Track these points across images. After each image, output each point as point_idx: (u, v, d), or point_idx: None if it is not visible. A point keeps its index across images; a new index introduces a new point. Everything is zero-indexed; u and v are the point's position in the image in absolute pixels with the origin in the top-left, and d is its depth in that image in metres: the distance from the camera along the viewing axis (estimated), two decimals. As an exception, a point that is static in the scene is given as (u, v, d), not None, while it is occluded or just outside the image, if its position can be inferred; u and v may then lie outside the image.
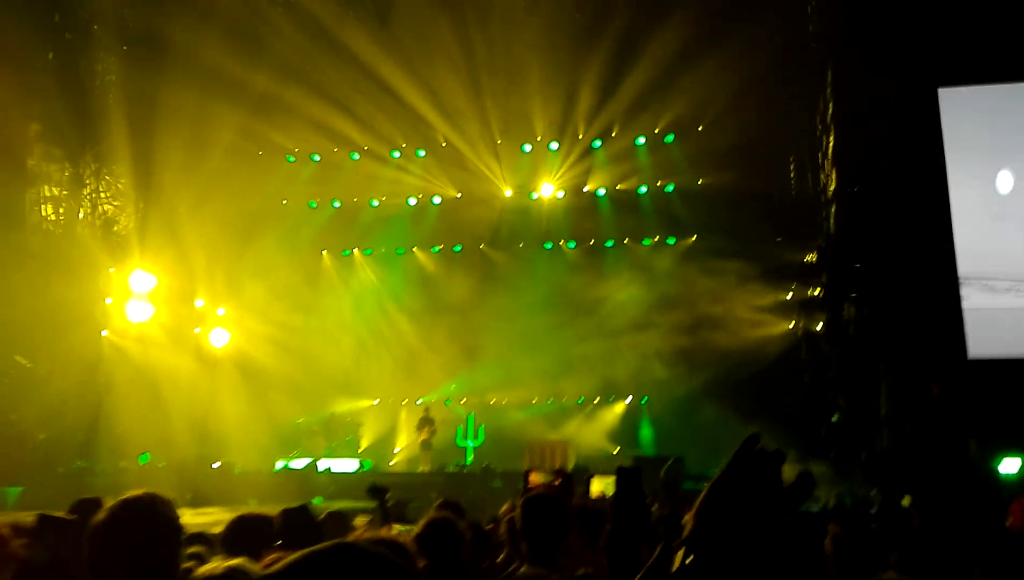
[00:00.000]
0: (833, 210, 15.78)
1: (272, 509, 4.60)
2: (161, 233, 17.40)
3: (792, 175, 17.57)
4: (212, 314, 18.57)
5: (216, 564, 2.97)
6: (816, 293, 16.56)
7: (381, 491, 5.25)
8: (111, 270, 16.81)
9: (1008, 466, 12.40)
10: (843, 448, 13.68)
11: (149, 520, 2.49)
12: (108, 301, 16.72)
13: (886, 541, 3.52)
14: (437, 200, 20.29)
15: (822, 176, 16.33)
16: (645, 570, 2.41)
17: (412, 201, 20.38)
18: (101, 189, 17.43)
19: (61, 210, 16.58)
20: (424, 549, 3.33)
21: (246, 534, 3.83)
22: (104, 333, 16.76)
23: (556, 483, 6.94)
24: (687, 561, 1.31)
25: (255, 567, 2.04)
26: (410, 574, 1.15)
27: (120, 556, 2.43)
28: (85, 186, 17.06)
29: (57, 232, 16.28)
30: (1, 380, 15.35)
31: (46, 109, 16.08)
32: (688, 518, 1.39)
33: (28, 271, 14.96)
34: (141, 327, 16.98)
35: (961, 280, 14.38)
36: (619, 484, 2.72)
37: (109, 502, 2.56)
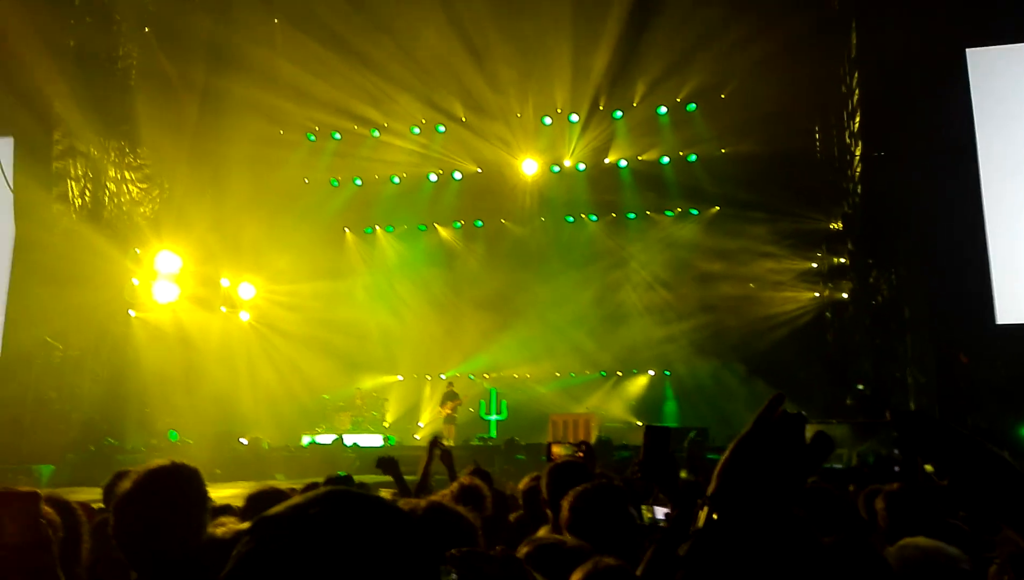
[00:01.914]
0: (859, 175, 15.52)
1: (298, 483, 4.64)
2: (186, 214, 17.53)
3: (817, 141, 17.29)
4: (237, 293, 18.75)
5: (236, 524, 3.00)
6: (842, 260, 16.36)
7: (390, 463, 5.24)
8: (137, 251, 16.97)
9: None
10: (869, 417, 13.58)
11: (174, 489, 2.50)
12: (135, 282, 16.90)
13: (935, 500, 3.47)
14: (458, 175, 20.23)
15: (848, 141, 16.04)
16: (666, 530, 2.40)
17: (433, 177, 20.34)
18: (126, 172, 17.55)
19: (87, 193, 16.73)
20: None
21: (266, 508, 3.86)
22: (132, 313, 16.96)
23: (579, 455, 6.95)
24: (712, 517, 1.30)
25: None
26: (409, 519, 1.13)
27: (145, 525, 2.45)
28: (110, 169, 17.18)
29: (83, 215, 16.44)
30: (32, 362, 15.61)
31: (70, 93, 16.18)
32: (712, 477, 1.39)
33: (55, 254, 15.15)
34: (168, 307, 17.17)
35: (990, 244, 14.13)
36: (647, 443, 2.72)
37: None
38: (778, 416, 1.38)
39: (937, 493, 3.36)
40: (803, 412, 1.42)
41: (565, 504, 3.15)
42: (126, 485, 2.52)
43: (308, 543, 1.05)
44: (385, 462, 5.28)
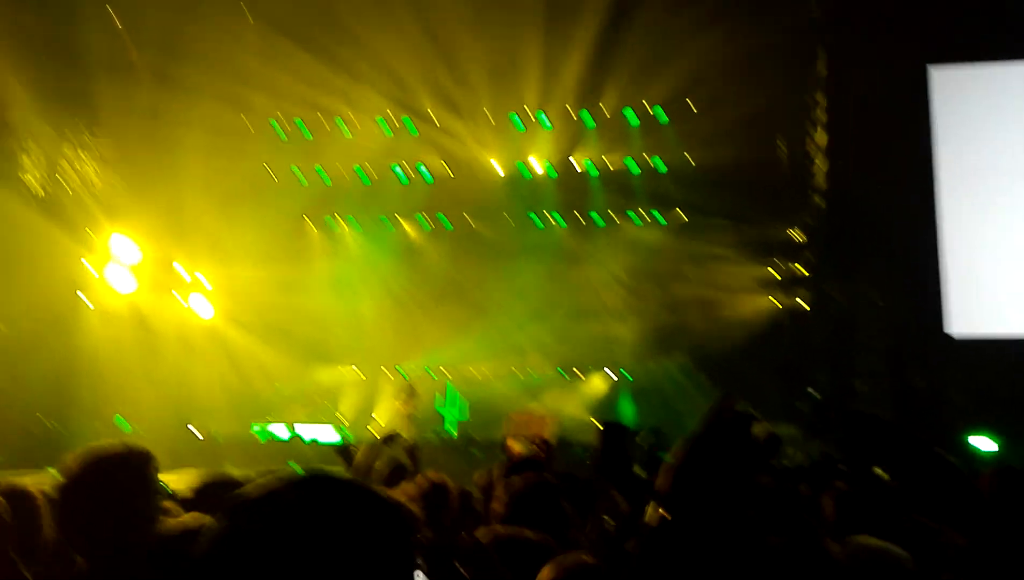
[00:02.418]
0: (822, 187, 15.75)
1: (247, 473, 4.53)
2: (142, 198, 17.19)
3: (782, 151, 17.52)
4: (192, 279, 18.42)
5: (190, 516, 2.88)
6: (803, 270, 16.60)
7: (349, 452, 5.19)
8: (90, 232, 16.59)
9: (984, 445, 12.52)
10: (819, 422, 13.78)
11: (125, 473, 2.37)
12: (86, 264, 16.52)
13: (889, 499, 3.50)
14: (425, 172, 20.12)
15: (812, 153, 16.27)
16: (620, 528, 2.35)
17: (401, 173, 20.20)
18: (83, 153, 17.17)
19: (38, 174, 16.33)
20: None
21: (217, 495, 3.75)
22: (82, 296, 16.58)
23: (540, 454, 6.89)
24: (663, 515, 1.33)
25: None
26: (389, 505, 1.10)
27: (94, 510, 2.31)
28: (65, 150, 16.79)
29: (35, 196, 16.04)
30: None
31: (29, 73, 15.77)
32: (663, 474, 1.42)
33: (4, 236, 14.74)
34: (120, 292, 16.81)
35: (946, 258, 14.42)
36: (603, 440, 2.69)
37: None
38: (728, 415, 1.40)
39: (886, 493, 3.38)
40: (752, 411, 1.43)
41: (500, 498, 3.11)
42: (72, 467, 2.38)
43: (287, 526, 1.03)
44: (344, 451, 5.25)
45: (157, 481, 2.47)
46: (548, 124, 19.12)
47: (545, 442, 7.55)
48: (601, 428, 2.80)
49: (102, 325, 16.33)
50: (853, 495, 3.59)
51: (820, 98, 15.89)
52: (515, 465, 3.67)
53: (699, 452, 1.42)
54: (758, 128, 16.78)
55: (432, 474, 4.17)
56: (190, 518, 2.81)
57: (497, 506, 3.54)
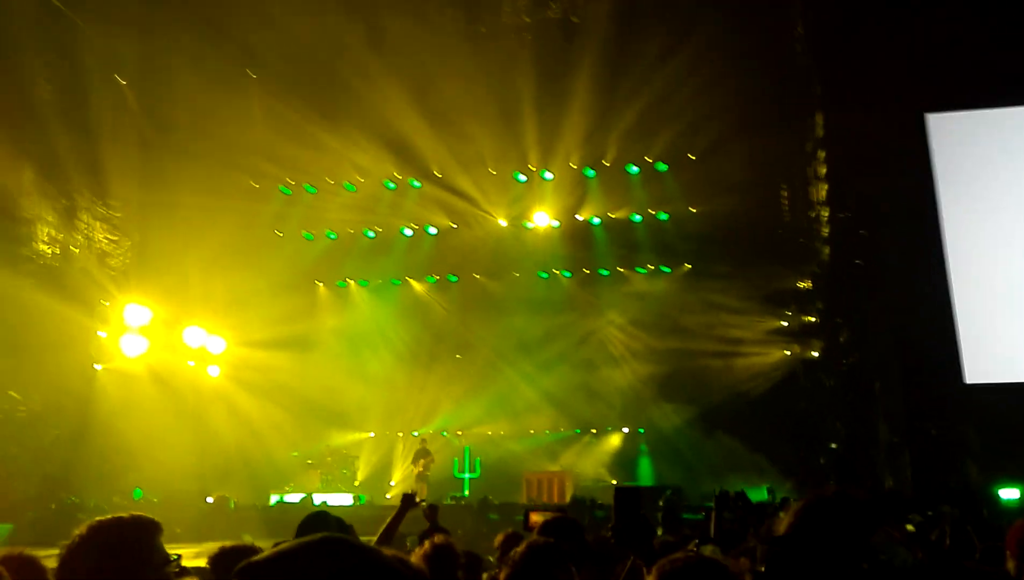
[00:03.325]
0: (826, 236, 15.83)
1: (265, 544, 4.51)
2: (156, 266, 17.37)
3: (785, 202, 17.65)
4: (206, 347, 18.47)
5: None
6: (812, 319, 16.57)
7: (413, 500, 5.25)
8: (105, 304, 16.73)
9: (1007, 494, 12.35)
10: (842, 476, 13.61)
11: (122, 541, 2.41)
12: (102, 334, 16.63)
13: None
14: (432, 230, 20.33)
15: (814, 202, 16.41)
16: None
17: (407, 231, 20.42)
18: (96, 222, 17.42)
19: (57, 245, 16.56)
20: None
21: (232, 565, 3.74)
22: (98, 367, 16.65)
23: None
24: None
25: None
26: (399, 572, 1.15)
27: (94, 575, 2.36)
28: (80, 219, 17.05)
29: (51, 266, 16.22)
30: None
31: (41, 143, 16.12)
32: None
33: (22, 305, 14.87)
34: (135, 361, 16.88)
35: (955, 303, 14.40)
36: (617, 503, 2.72)
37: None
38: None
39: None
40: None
41: (506, 563, 3.13)
42: (75, 538, 2.44)
43: None
44: (408, 498, 5.28)
45: (162, 551, 2.51)
46: (550, 179, 19.37)
47: (563, 511, 7.43)
48: (615, 493, 2.82)
49: (118, 397, 16.36)
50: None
51: (820, 148, 16.07)
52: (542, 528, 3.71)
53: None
54: (759, 179, 16.97)
55: (438, 538, 4.19)
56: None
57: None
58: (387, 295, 20.67)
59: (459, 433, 19.28)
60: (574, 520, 3.85)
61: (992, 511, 11.79)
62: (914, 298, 14.38)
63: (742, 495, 5.29)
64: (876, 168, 14.72)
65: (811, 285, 16.63)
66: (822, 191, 16.01)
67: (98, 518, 2.50)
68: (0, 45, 14.68)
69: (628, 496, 2.72)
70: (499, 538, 5.45)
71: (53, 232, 16.55)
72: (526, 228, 19.93)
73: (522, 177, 19.55)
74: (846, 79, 14.82)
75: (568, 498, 14.92)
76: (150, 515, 2.63)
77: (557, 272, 20.03)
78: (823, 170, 15.98)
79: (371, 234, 20.50)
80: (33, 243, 16.11)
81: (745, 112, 16.24)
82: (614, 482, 17.34)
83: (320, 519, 4.33)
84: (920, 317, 14.42)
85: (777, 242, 17.10)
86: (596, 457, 18.43)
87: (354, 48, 17.00)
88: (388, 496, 18.27)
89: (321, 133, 17.88)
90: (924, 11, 14.07)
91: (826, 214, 15.83)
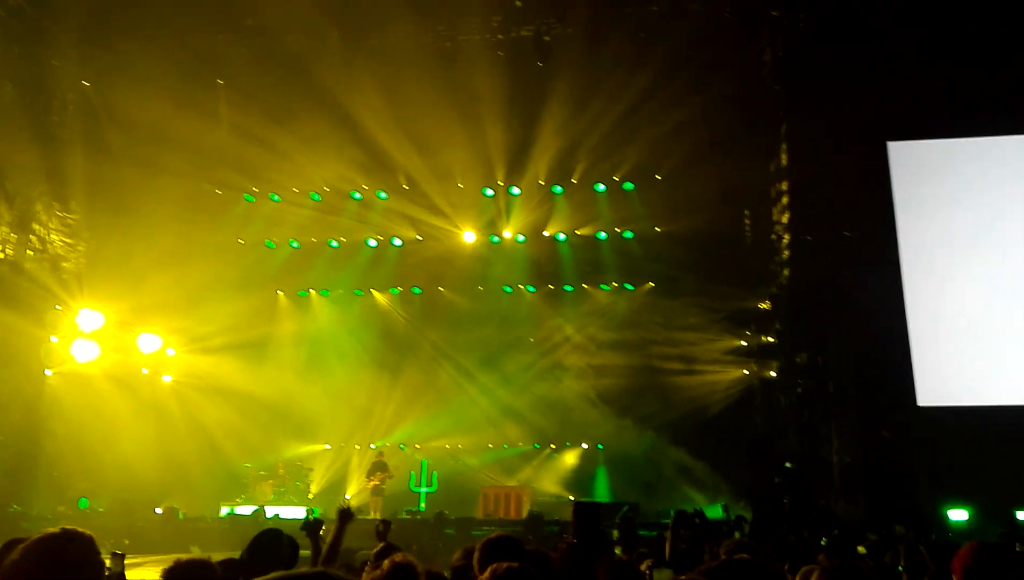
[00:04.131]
0: (786, 258, 16.06)
1: (216, 556, 4.41)
2: (112, 271, 17.02)
3: (747, 224, 17.89)
4: (161, 354, 18.13)
5: None
6: (771, 339, 16.78)
7: (315, 526, 5.10)
8: (57, 308, 16.34)
9: (956, 515, 12.58)
10: (797, 494, 13.75)
11: (64, 557, 2.34)
12: (54, 339, 16.23)
13: None
14: (397, 242, 20.23)
15: (776, 225, 16.65)
16: None
17: (372, 242, 20.28)
18: (51, 225, 17.04)
19: (9, 247, 16.17)
20: None
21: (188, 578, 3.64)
22: (48, 372, 16.23)
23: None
24: None
25: None
26: None
27: None
28: (34, 222, 16.67)
29: (3, 269, 15.83)
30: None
31: (1, 139, 15.76)
32: None
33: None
34: (87, 366, 16.50)
35: (910, 327, 14.69)
36: (576, 519, 2.69)
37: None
38: None
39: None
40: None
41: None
42: (14, 555, 2.37)
43: None
44: (310, 525, 5.14)
45: (101, 565, 2.45)
46: (518, 195, 19.42)
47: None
48: (574, 507, 2.79)
49: (68, 403, 15.97)
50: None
51: (783, 170, 16.32)
52: (487, 543, 3.65)
53: None
54: (723, 200, 17.19)
55: (398, 557, 4.11)
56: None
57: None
58: (349, 306, 20.49)
59: (417, 446, 19.11)
60: (514, 539, 3.81)
61: (940, 532, 12.00)
62: (870, 321, 14.64)
63: (699, 513, 5.29)
64: (838, 192, 15.01)
65: (770, 306, 16.86)
66: (783, 215, 16.26)
67: (38, 534, 2.43)
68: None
69: (587, 511, 2.69)
70: (457, 554, 5.39)
71: (6, 232, 16.17)
72: (492, 242, 19.93)
73: (490, 192, 19.56)
74: (811, 104, 15.09)
75: (524, 513, 14.86)
76: (96, 525, 2.55)
77: (522, 287, 20.04)
78: (785, 193, 16.23)
79: (335, 244, 20.33)
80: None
81: (711, 134, 16.50)
82: (571, 498, 17.31)
83: (273, 537, 4.24)
84: (876, 340, 14.68)
85: (739, 263, 17.31)
86: (554, 473, 18.39)
87: (325, 57, 16.90)
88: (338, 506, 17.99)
89: (287, 141, 17.70)
90: (889, 42, 14.42)
91: (787, 237, 16.07)
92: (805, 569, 3.85)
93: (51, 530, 2.41)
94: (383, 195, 19.83)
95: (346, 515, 5.26)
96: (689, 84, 15.61)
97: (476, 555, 3.57)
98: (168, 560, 3.84)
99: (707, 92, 15.55)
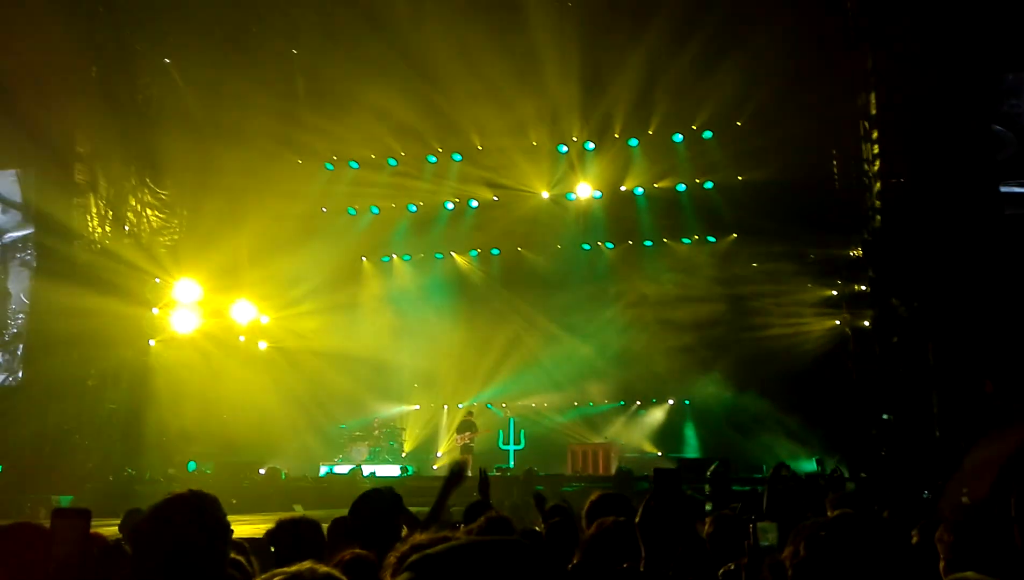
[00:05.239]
0: (878, 204, 15.37)
1: (317, 514, 4.56)
2: (205, 243, 17.64)
3: (835, 169, 17.18)
4: (256, 322, 18.80)
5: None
6: (863, 288, 16.18)
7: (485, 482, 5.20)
8: (156, 281, 17.08)
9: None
10: (895, 446, 13.35)
11: (195, 518, 2.45)
12: (155, 311, 17.00)
13: None
14: (474, 204, 20.29)
15: (866, 168, 15.93)
16: None
17: (449, 205, 20.41)
18: (146, 200, 17.74)
19: (108, 223, 16.91)
20: None
21: (295, 538, 3.78)
22: (151, 342, 17.04)
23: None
24: None
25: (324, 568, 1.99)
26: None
27: (164, 555, 2.39)
28: (130, 198, 17.37)
29: (103, 245, 16.59)
30: (52, 392, 15.69)
31: (90, 124, 16.42)
32: None
33: (76, 285, 15.26)
34: (187, 336, 17.24)
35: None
36: (656, 485, 2.67)
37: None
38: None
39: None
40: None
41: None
42: (143, 515, 2.49)
43: None
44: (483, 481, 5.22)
45: (227, 525, 2.55)
46: (593, 150, 19.14)
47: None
48: (654, 475, 2.77)
49: (171, 370, 16.75)
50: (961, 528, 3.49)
51: (872, 110, 15.52)
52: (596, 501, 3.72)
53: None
54: (808, 145, 16.53)
55: (493, 513, 4.16)
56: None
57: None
58: (430, 269, 20.76)
59: (504, 405, 19.37)
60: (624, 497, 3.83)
61: None
62: (968, 264, 13.92)
63: (784, 465, 5.20)
64: (931, 133, 14.21)
65: (861, 253, 16.21)
66: (874, 157, 15.52)
67: (165, 495, 2.55)
68: (52, 23, 14.91)
69: (665, 478, 2.67)
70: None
71: (104, 211, 16.90)
72: (569, 200, 19.76)
73: (564, 148, 19.34)
74: (901, 40, 14.27)
75: (613, 470, 14.91)
76: (204, 486, 2.67)
77: (600, 244, 19.87)
78: (875, 135, 15.47)
79: (413, 209, 20.54)
80: (86, 224, 16.48)
81: (795, 77, 15.78)
82: (659, 453, 17.27)
83: (375, 497, 4.35)
84: (974, 284, 13.97)
85: (827, 209, 16.66)
86: (641, 429, 18.36)
87: (395, 21, 16.90)
88: (435, 467, 18.48)
89: (362, 108, 17.85)
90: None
91: (877, 181, 15.35)
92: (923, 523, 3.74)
93: (178, 490, 2.52)
94: (458, 157, 19.86)
95: (458, 476, 5.23)
96: (768, 22, 14.96)
97: (585, 509, 3.66)
98: (272, 519, 4.01)
99: (786, 28, 14.86)
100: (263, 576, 2.36)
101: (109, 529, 4.30)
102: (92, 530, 3.43)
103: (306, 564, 1.81)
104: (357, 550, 3.11)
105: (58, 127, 15.72)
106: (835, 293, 17.00)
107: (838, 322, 16.85)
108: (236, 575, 2.93)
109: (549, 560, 1.18)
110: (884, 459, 13.02)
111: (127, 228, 17.27)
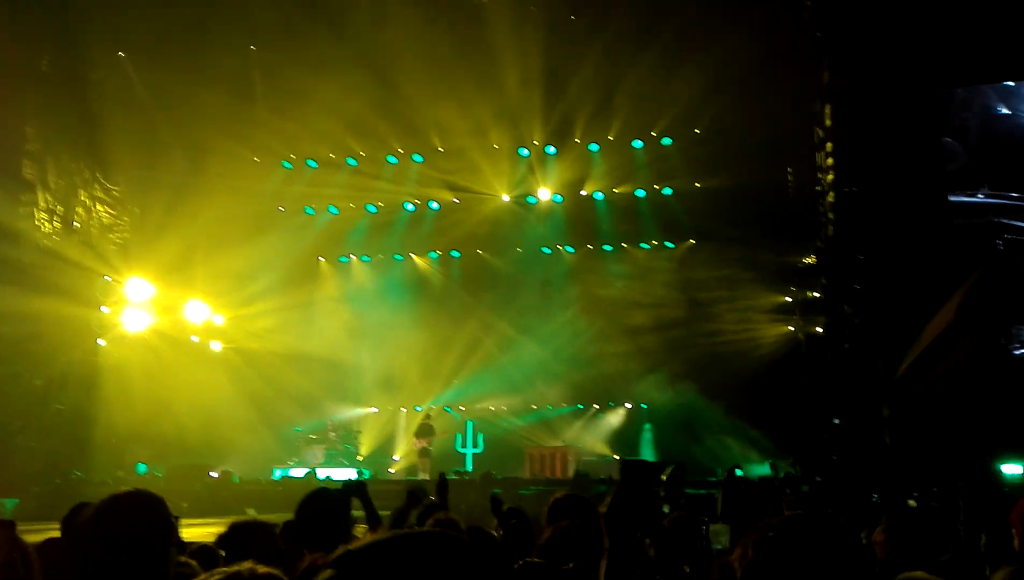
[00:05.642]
0: (831, 213, 15.66)
1: (270, 518, 4.49)
2: (158, 241, 17.30)
3: (790, 177, 17.48)
4: (209, 322, 18.48)
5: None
6: (816, 295, 16.47)
7: (360, 488, 5.05)
8: (106, 278, 16.69)
9: (1010, 469, 12.35)
10: (846, 451, 13.60)
11: (139, 517, 2.39)
12: (105, 310, 16.61)
13: None
14: (435, 205, 20.22)
15: (820, 177, 16.23)
16: None
17: (409, 206, 20.30)
18: (96, 197, 17.33)
19: (56, 220, 16.49)
20: None
21: (245, 541, 3.71)
22: (101, 342, 16.64)
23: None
24: None
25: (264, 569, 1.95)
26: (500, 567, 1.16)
27: (107, 554, 2.33)
28: (79, 195, 16.95)
29: (52, 242, 16.17)
30: (-1, 393, 15.24)
31: (40, 118, 16.00)
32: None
33: (24, 283, 14.83)
34: (138, 336, 16.88)
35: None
36: (623, 475, 2.67)
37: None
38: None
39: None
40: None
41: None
42: (87, 514, 2.43)
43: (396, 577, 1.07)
44: (354, 487, 5.09)
45: (172, 526, 2.50)
46: (554, 154, 19.22)
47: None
48: (621, 465, 2.76)
49: (121, 372, 16.37)
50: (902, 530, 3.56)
51: (826, 120, 15.82)
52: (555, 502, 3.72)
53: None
54: (764, 153, 16.81)
55: (441, 514, 4.13)
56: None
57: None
58: (389, 270, 20.62)
59: (462, 408, 19.31)
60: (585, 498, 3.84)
61: (997, 488, 11.79)
62: (919, 272, 14.25)
63: (737, 468, 5.23)
64: (884, 141, 14.52)
65: (815, 260, 16.50)
66: (827, 166, 15.81)
67: (108, 496, 2.48)
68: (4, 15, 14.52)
69: (634, 469, 2.66)
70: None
71: (52, 208, 16.47)
72: (529, 203, 19.82)
73: (525, 152, 19.39)
74: (856, 52, 14.57)
75: (571, 473, 14.96)
76: (154, 489, 2.61)
77: (560, 247, 19.95)
78: (829, 144, 15.76)
79: (373, 209, 20.40)
80: (34, 220, 16.03)
81: (752, 88, 16.05)
82: (616, 457, 17.37)
83: (322, 497, 4.28)
84: (925, 291, 14.28)
85: (782, 217, 16.95)
86: (598, 432, 18.46)
87: (356, 20, 16.78)
88: (391, 471, 18.33)
89: (322, 107, 17.66)
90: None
91: (831, 189, 15.64)
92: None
93: (123, 490, 2.47)
94: (419, 158, 19.77)
95: (415, 498, 5.21)
96: (726, 32, 15.17)
97: (546, 510, 3.64)
98: (224, 523, 3.92)
99: (745, 40, 15.09)
100: (203, 575, 2.31)
101: (56, 533, 4.18)
102: (45, 535, 3.34)
103: (246, 564, 1.77)
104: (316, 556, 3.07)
105: (5, 120, 15.26)
106: (789, 299, 17.30)
107: (791, 328, 17.15)
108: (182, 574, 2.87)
109: (481, 555, 1.15)
110: (835, 463, 13.25)
111: (77, 224, 16.84)
